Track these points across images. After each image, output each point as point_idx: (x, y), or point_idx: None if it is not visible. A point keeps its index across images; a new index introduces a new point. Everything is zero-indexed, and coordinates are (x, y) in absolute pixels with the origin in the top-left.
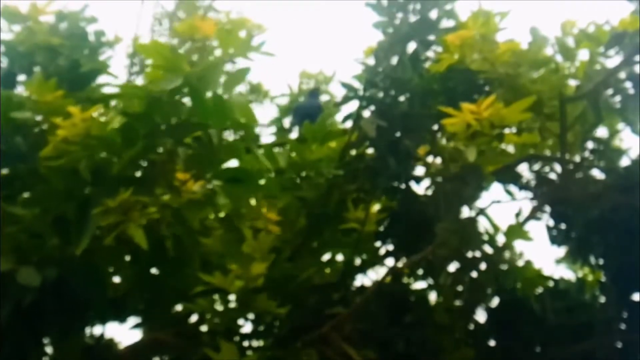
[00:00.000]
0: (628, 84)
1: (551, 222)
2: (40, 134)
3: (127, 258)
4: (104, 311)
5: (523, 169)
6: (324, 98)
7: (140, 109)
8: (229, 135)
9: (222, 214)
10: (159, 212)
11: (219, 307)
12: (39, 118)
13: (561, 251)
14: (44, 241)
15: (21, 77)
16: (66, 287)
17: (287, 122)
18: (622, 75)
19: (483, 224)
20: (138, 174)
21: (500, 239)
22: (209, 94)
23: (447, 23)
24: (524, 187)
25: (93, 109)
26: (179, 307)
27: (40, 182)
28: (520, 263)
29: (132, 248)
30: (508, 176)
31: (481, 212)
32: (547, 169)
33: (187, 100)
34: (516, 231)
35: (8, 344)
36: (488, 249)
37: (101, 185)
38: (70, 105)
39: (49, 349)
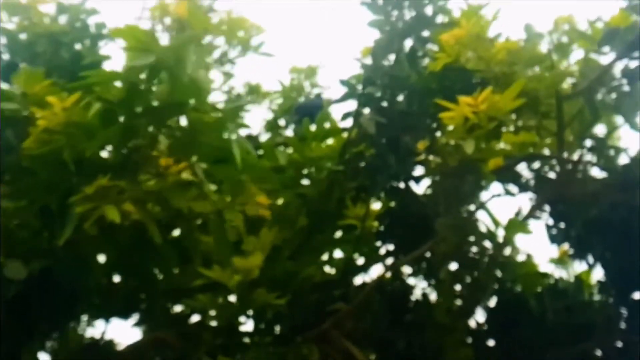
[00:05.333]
0: (623, 81)
1: (550, 221)
2: (28, 126)
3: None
4: (92, 301)
5: (522, 168)
6: (315, 91)
7: (119, 94)
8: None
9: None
10: (143, 197)
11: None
12: (26, 110)
13: (557, 251)
14: (30, 233)
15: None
16: (53, 279)
17: (282, 121)
18: (617, 72)
19: (483, 220)
20: (120, 160)
21: (500, 234)
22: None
23: (442, 19)
24: (523, 186)
25: (72, 98)
26: (178, 307)
27: (26, 174)
28: (521, 258)
29: (116, 237)
30: (507, 175)
31: (481, 206)
32: (546, 168)
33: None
34: (516, 225)
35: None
36: (488, 245)
37: (84, 174)
38: (59, 95)
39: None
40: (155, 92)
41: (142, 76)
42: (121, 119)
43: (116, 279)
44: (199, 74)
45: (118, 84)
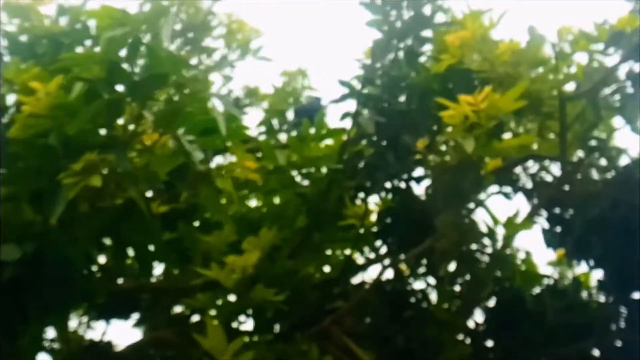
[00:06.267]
0: (627, 83)
1: (547, 225)
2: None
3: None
4: (87, 285)
5: (519, 171)
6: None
7: (99, 73)
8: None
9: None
10: (131, 171)
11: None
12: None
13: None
14: (22, 218)
15: None
16: (47, 261)
17: (275, 123)
18: (621, 74)
19: (482, 218)
20: (106, 139)
21: (500, 232)
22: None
23: (440, 18)
24: (520, 189)
25: (55, 82)
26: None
27: (15, 159)
28: (521, 255)
29: (107, 214)
30: (505, 178)
31: (480, 203)
32: (544, 171)
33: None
34: (516, 224)
35: None
36: (487, 242)
37: (71, 156)
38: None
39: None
40: (135, 70)
41: (122, 54)
42: (104, 97)
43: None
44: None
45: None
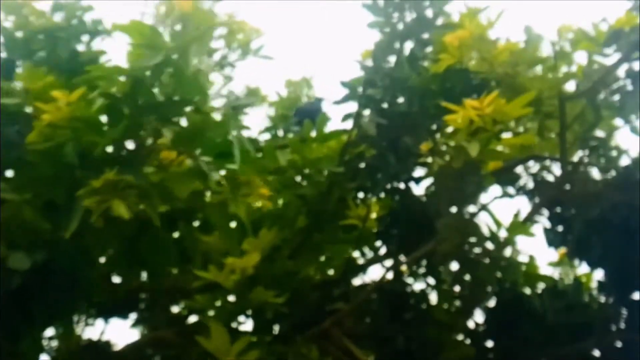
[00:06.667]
0: (627, 82)
1: (548, 225)
2: (31, 121)
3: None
4: (92, 293)
5: (520, 171)
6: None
7: (123, 89)
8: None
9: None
10: (148, 189)
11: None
12: (29, 107)
13: (555, 255)
14: (33, 226)
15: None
16: (56, 271)
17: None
18: (621, 73)
19: (485, 221)
20: (124, 154)
21: (502, 235)
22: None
23: (442, 21)
24: (521, 189)
25: (77, 92)
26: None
27: (30, 168)
28: (522, 258)
29: (121, 229)
30: (506, 178)
31: (483, 207)
32: (545, 171)
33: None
34: (518, 227)
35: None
36: (489, 245)
37: (88, 168)
38: (62, 90)
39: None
40: (159, 87)
41: (147, 72)
42: (126, 114)
43: (116, 279)
44: (202, 71)
45: (122, 78)
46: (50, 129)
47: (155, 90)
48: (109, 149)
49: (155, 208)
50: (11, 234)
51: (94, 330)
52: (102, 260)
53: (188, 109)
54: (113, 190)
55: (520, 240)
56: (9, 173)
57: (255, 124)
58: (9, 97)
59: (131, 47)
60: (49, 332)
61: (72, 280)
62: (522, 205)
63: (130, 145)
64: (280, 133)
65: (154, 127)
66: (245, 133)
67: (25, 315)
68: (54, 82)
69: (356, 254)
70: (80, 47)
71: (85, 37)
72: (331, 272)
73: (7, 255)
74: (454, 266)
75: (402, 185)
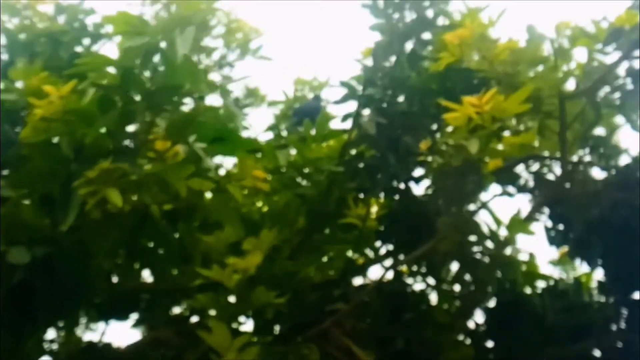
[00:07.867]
0: (627, 80)
1: (549, 223)
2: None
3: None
4: (94, 290)
5: (521, 169)
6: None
7: (113, 80)
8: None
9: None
10: (144, 179)
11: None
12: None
13: (556, 253)
14: (31, 222)
15: None
16: (55, 266)
17: (284, 130)
18: (621, 72)
19: (485, 219)
20: (119, 146)
21: (502, 234)
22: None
23: (442, 21)
24: (522, 188)
25: (68, 85)
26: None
27: (26, 163)
28: (523, 257)
29: (120, 222)
30: (506, 177)
31: (483, 205)
32: (545, 169)
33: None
34: (518, 225)
35: (2, 325)
36: (489, 244)
37: (83, 161)
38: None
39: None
40: (150, 76)
41: (137, 61)
42: (118, 104)
43: (116, 279)
44: (190, 56)
45: (112, 70)
46: (44, 123)
47: (147, 79)
48: (103, 142)
49: (152, 198)
50: (10, 231)
51: (94, 332)
52: (103, 255)
53: (180, 96)
54: (108, 180)
55: (521, 239)
56: (6, 170)
57: (256, 124)
58: (6, 93)
59: (120, 37)
60: (51, 334)
61: (74, 277)
62: (523, 204)
63: (124, 136)
64: (284, 133)
65: (147, 117)
66: (245, 133)
67: (27, 314)
68: (47, 77)
69: (356, 254)
70: (82, 51)
71: (86, 41)
72: (331, 272)
73: (6, 250)
74: (454, 266)
75: (402, 185)
